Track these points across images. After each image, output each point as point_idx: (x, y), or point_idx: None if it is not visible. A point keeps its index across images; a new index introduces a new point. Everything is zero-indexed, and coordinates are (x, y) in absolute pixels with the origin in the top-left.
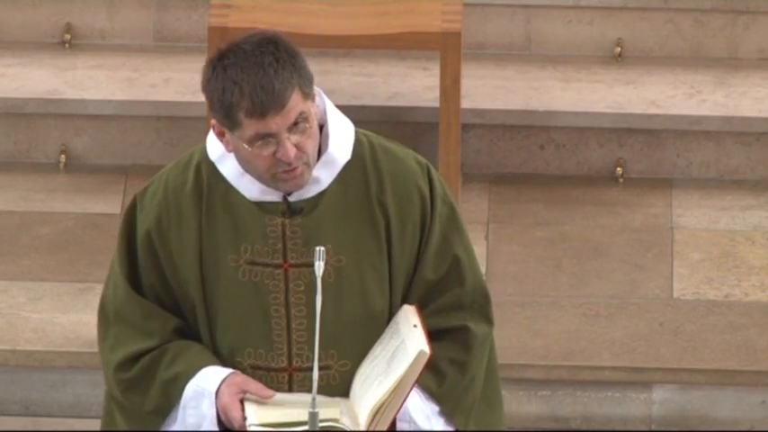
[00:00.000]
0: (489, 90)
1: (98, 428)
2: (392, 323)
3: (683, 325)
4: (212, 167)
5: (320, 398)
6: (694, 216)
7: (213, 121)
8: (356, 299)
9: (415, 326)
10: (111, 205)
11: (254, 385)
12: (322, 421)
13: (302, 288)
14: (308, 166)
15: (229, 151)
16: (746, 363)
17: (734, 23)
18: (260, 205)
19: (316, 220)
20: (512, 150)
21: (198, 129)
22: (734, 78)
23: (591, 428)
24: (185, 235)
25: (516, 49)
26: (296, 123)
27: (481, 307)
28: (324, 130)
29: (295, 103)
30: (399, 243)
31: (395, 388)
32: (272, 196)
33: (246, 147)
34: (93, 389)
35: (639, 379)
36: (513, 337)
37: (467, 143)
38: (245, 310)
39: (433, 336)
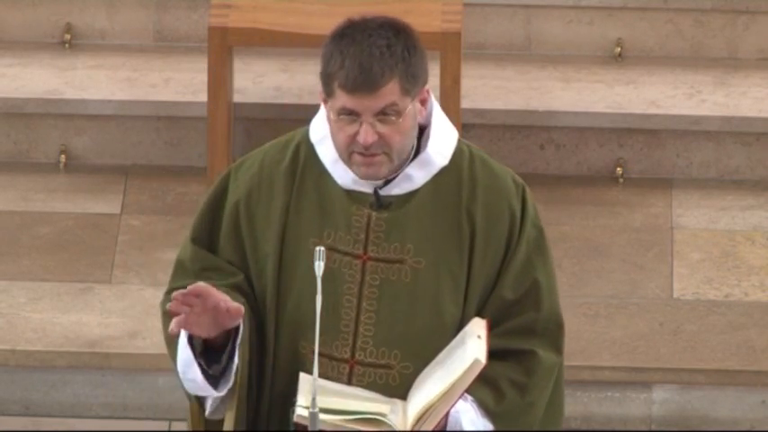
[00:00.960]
0: (489, 90)
1: (98, 428)
2: (461, 333)
3: (683, 325)
4: (311, 149)
5: (373, 394)
6: (694, 216)
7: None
8: (429, 304)
9: (479, 336)
10: (111, 205)
11: (218, 295)
12: (370, 414)
13: (377, 282)
14: (390, 159)
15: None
16: (746, 363)
17: (734, 23)
18: (350, 194)
19: (402, 217)
20: (512, 150)
21: (198, 129)
22: (734, 78)
23: (591, 428)
24: (272, 211)
25: (516, 49)
26: (385, 113)
27: (553, 335)
28: (426, 131)
29: (389, 92)
30: (481, 256)
31: (445, 392)
32: (364, 187)
33: (334, 116)
34: (94, 389)
35: (639, 379)
36: None
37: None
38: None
39: (499, 355)
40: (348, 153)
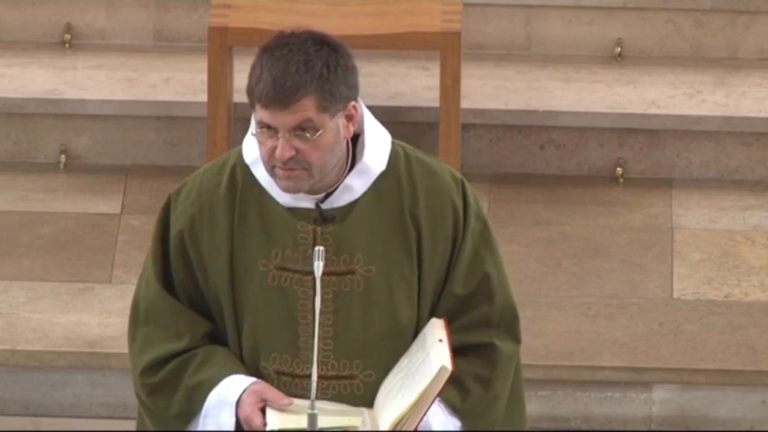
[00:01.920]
0: (489, 90)
1: (97, 428)
2: (420, 336)
3: (683, 325)
4: (247, 170)
5: (345, 407)
6: (694, 216)
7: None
8: (384, 310)
9: (440, 340)
10: (111, 205)
11: (273, 393)
12: (341, 428)
13: (330, 296)
14: (310, 174)
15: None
16: (746, 363)
17: (734, 23)
18: (292, 211)
19: (347, 228)
20: (512, 150)
21: (198, 129)
22: (734, 78)
23: (591, 428)
24: (217, 237)
25: (516, 49)
26: (301, 128)
27: (509, 325)
28: (360, 139)
29: (303, 108)
30: (430, 256)
31: (416, 402)
32: (305, 203)
33: (257, 129)
34: (93, 389)
35: (639, 379)
36: None
37: (467, 143)
38: (273, 315)
39: (458, 351)
40: (270, 166)
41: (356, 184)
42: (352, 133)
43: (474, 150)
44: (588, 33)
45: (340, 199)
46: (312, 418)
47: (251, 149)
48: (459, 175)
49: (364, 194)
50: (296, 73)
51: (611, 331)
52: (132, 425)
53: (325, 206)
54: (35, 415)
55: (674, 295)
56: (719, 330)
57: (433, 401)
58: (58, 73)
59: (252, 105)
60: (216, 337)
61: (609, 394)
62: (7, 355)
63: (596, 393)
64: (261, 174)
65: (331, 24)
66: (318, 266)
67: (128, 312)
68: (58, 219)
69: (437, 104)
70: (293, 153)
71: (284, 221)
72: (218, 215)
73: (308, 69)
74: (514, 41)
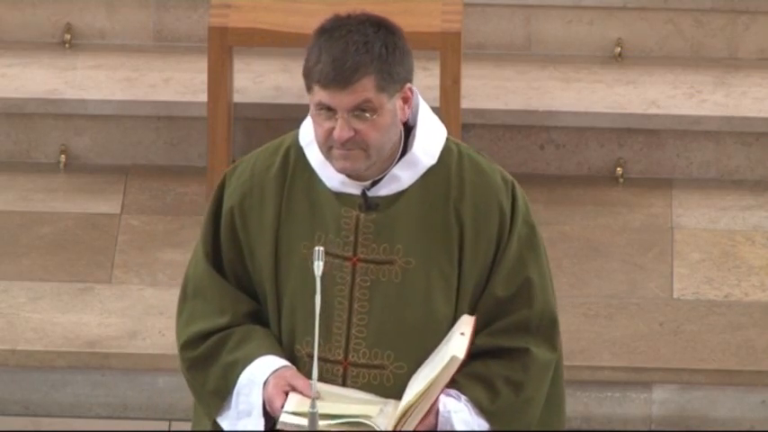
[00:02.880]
0: (489, 90)
1: (97, 428)
2: (450, 332)
3: (683, 325)
4: (300, 152)
5: (370, 396)
6: (694, 216)
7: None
8: (420, 303)
9: (462, 333)
10: (111, 205)
11: (301, 382)
12: (354, 417)
13: (368, 284)
14: (367, 155)
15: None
16: (746, 363)
17: (734, 23)
18: (338, 196)
19: (391, 218)
20: (512, 150)
21: (198, 129)
22: (734, 78)
23: (591, 428)
24: (265, 217)
25: (516, 49)
26: (360, 109)
27: (547, 332)
28: (413, 130)
29: (363, 88)
30: (471, 254)
31: (425, 391)
32: (352, 189)
33: (313, 111)
34: (93, 389)
35: (639, 379)
36: None
37: (467, 143)
38: (310, 298)
39: (492, 354)
40: (326, 147)
41: (403, 175)
42: (407, 116)
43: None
44: (588, 33)
45: (387, 188)
46: (312, 418)
47: (308, 131)
48: (510, 177)
49: (412, 186)
50: (355, 53)
51: (611, 331)
52: (133, 424)
53: (371, 194)
54: (35, 415)
55: (674, 295)
56: (719, 330)
57: (442, 390)
58: (58, 73)
59: (309, 87)
60: (258, 317)
61: (609, 394)
62: (7, 355)
63: (596, 393)
64: (313, 156)
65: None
66: (318, 266)
67: (128, 312)
68: (58, 219)
69: (437, 104)
70: (352, 134)
71: (330, 205)
72: (267, 195)
73: (367, 50)
74: (514, 41)
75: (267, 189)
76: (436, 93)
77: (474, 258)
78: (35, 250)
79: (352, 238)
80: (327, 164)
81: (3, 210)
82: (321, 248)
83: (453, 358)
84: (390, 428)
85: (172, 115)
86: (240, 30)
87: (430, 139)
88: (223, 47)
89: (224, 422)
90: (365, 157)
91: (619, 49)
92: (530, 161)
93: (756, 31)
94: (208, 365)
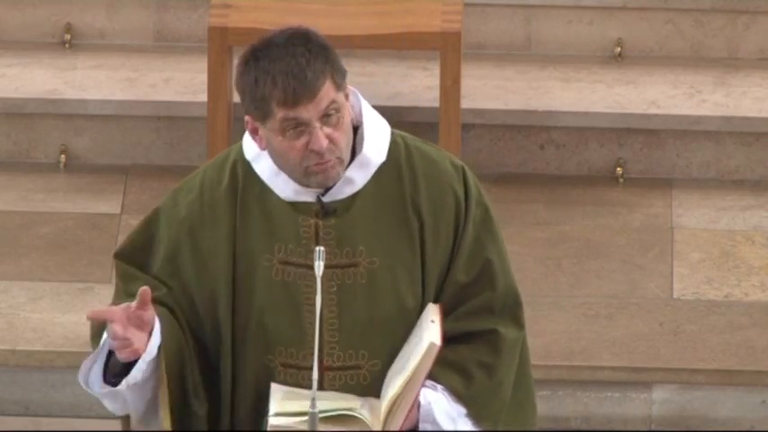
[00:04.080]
0: (489, 90)
1: (97, 428)
2: (417, 323)
3: (683, 325)
4: (248, 166)
5: (350, 396)
6: (694, 216)
7: (247, 118)
8: (388, 300)
9: (432, 321)
10: (111, 205)
11: (107, 311)
12: (339, 410)
13: (335, 289)
14: (341, 161)
15: (263, 148)
16: (746, 363)
17: (734, 23)
18: (294, 205)
19: (349, 221)
20: (512, 150)
21: (198, 129)
22: (734, 78)
23: (591, 428)
24: (218, 233)
25: (516, 49)
26: (328, 115)
27: (512, 311)
28: (359, 130)
29: (327, 92)
30: (433, 245)
31: (407, 381)
32: (306, 196)
33: (279, 137)
34: None
35: (639, 379)
36: None
37: (467, 143)
38: (278, 309)
39: (462, 338)
40: (303, 168)
41: (357, 177)
42: (354, 115)
43: (474, 150)
44: (588, 33)
45: (341, 192)
46: (313, 417)
47: (251, 146)
48: (459, 161)
49: (365, 186)
50: (307, 63)
51: (611, 331)
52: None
53: (326, 199)
54: (35, 415)
55: (674, 295)
56: (719, 330)
57: (424, 379)
58: (58, 73)
59: (266, 115)
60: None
61: (609, 394)
62: (7, 355)
63: (596, 393)
64: (262, 169)
65: (331, 24)
66: (319, 266)
67: None
68: (58, 219)
69: (437, 104)
70: (327, 141)
71: (286, 216)
72: (219, 211)
73: (315, 57)
74: (514, 41)
75: (219, 205)
76: (436, 93)
77: (435, 248)
78: (35, 250)
79: (313, 246)
80: (279, 175)
81: (3, 210)
82: (321, 249)
83: (431, 345)
84: (379, 422)
85: (172, 115)
86: (240, 30)
87: (377, 137)
88: (223, 47)
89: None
90: (339, 163)
91: (619, 49)
92: (530, 161)
93: (756, 31)
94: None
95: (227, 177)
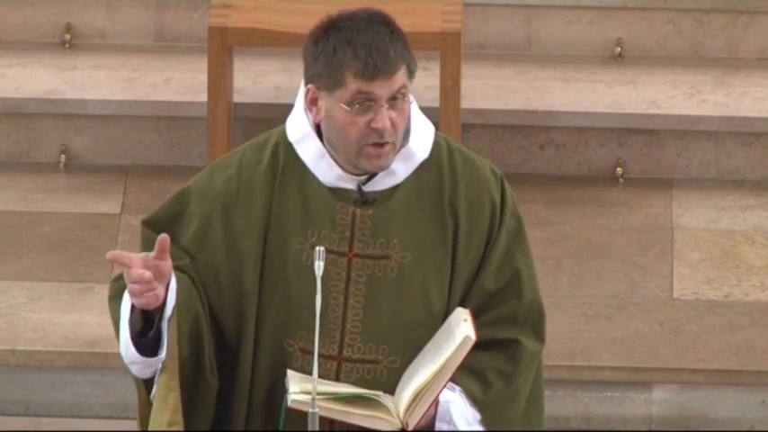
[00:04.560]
0: (489, 90)
1: (97, 428)
2: (445, 324)
3: (683, 325)
4: (290, 148)
5: (365, 390)
6: (694, 216)
7: (309, 86)
8: (415, 298)
9: (465, 320)
10: (111, 205)
11: (123, 256)
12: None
13: (363, 279)
14: (394, 147)
15: (317, 121)
16: (746, 363)
17: (734, 23)
18: (334, 191)
19: (387, 212)
20: (512, 150)
21: (198, 129)
22: (734, 78)
23: (591, 428)
24: (253, 213)
25: (516, 49)
26: (395, 98)
27: (535, 324)
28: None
29: (401, 75)
30: (465, 248)
31: (437, 372)
32: (347, 183)
33: (345, 108)
34: (93, 389)
35: (639, 379)
36: None
37: (467, 143)
38: (304, 293)
39: (483, 345)
40: (359, 146)
41: (399, 169)
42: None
43: (474, 150)
44: (588, 33)
45: (382, 182)
46: (313, 417)
47: (296, 127)
48: (498, 170)
49: (406, 180)
50: (390, 42)
51: (611, 331)
52: (132, 424)
53: (366, 189)
54: (35, 415)
55: (674, 295)
56: (719, 330)
57: (453, 372)
58: (58, 73)
59: (337, 84)
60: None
61: (609, 394)
62: (7, 355)
63: (596, 393)
64: (305, 152)
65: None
66: (319, 266)
67: None
68: (58, 219)
69: (437, 104)
70: (389, 122)
71: (325, 201)
72: (256, 191)
73: (396, 39)
74: (514, 41)
75: (256, 185)
76: (436, 93)
77: (467, 252)
78: (35, 250)
79: (348, 234)
80: (322, 159)
81: (3, 210)
82: (321, 248)
83: (467, 338)
84: (403, 408)
85: (172, 115)
86: (240, 30)
87: (422, 134)
88: (223, 47)
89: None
90: (393, 149)
91: (619, 49)
92: (530, 161)
93: (756, 31)
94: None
95: (267, 158)
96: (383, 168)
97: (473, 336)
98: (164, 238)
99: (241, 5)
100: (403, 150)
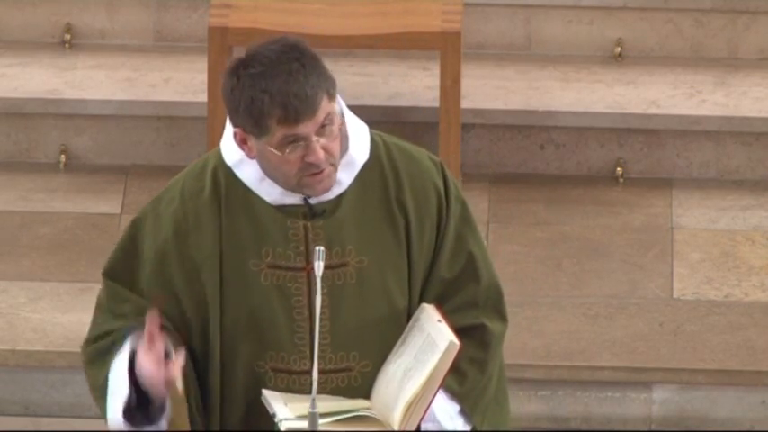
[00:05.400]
0: (489, 90)
1: (98, 428)
2: (412, 321)
3: (683, 325)
4: (229, 172)
5: (342, 398)
6: (694, 216)
7: (236, 130)
8: (378, 299)
9: (439, 321)
10: (111, 205)
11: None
12: (356, 411)
13: (325, 290)
14: (335, 168)
15: (251, 158)
16: (746, 363)
17: (734, 23)
18: (281, 209)
19: (338, 221)
20: (512, 150)
21: (198, 129)
22: (734, 78)
23: (591, 428)
24: (204, 240)
25: (516, 49)
26: (323, 126)
27: (495, 303)
28: (342, 131)
29: (324, 106)
30: (418, 242)
31: (426, 381)
32: (293, 199)
33: (276, 152)
34: None
35: (639, 379)
36: (513, 337)
37: (467, 143)
38: (268, 313)
39: None
40: (297, 179)
41: (343, 177)
42: None
43: (474, 150)
44: (588, 33)
45: (328, 192)
46: (313, 417)
47: (231, 152)
48: (437, 158)
49: (351, 186)
50: (305, 79)
51: (611, 331)
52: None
53: (313, 201)
54: (35, 415)
55: (674, 295)
56: (719, 330)
57: (446, 377)
58: (58, 73)
59: (263, 131)
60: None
61: (609, 394)
62: (7, 355)
63: (596, 393)
64: (246, 175)
65: (331, 24)
66: (319, 266)
67: None
68: (58, 219)
69: (437, 104)
70: (323, 152)
71: (273, 219)
72: (203, 219)
73: (309, 71)
74: (514, 41)
75: (202, 213)
76: (436, 93)
77: (420, 245)
78: (35, 250)
79: (303, 248)
80: (263, 179)
81: (3, 210)
82: (321, 248)
83: (451, 343)
84: (397, 423)
85: (172, 115)
86: (240, 30)
87: (359, 137)
88: (223, 47)
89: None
90: (334, 170)
91: (619, 49)
92: (530, 161)
93: (756, 31)
94: (101, 362)
95: (208, 185)
96: (327, 191)
97: (457, 341)
98: (153, 317)
99: (241, 5)
100: (344, 158)
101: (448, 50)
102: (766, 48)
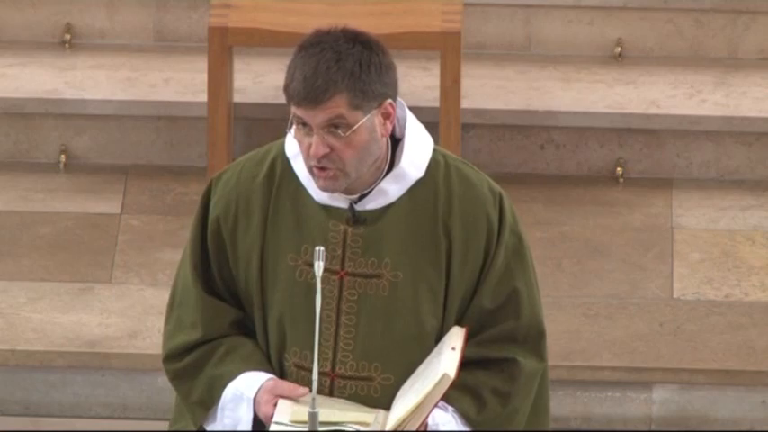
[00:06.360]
0: (489, 90)
1: (98, 428)
2: (440, 343)
3: (683, 325)
4: (287, 164)
5: (360, 406)
6: (694, 216)
7: None
8: (407, 316)
9: (453, 348)
10: (111, 205)
11: (286, 386)
12: (352, 423)
13: (355, 297)
14: (345, 174)
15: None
16: (746, 363)
17: (734, 23)
18: (326, 209)
19: (378, 232)
20: (512, 150)
21: (198, 129)
22: (734, 78)
23: (591, 428)
24: (251, 226)
25: (516, 49)
26: (333, 125)
27: (534, 343)
28: (400, 144)
29: (335, 105)
30: (459, 267)
31: (417, 405)
32: (339, 202)
33: (295, 126)
34: (93, 389)
35: (639, 379)
36: None
37: (467, 143)
38: (297, 310)
39: (480, 364)
40: (309, 166)
41: (391, 189)
42: (389, 131)
43: (474, 150)
44: (588, 33)
45: (374, 202)
46: (313, 417)
47: (293, 143)
48: (497, 187)
49: (399, 199)
50: (326, 71)
51: (611, 331)
52: (133, 424)
53: (358, 207)
54: (35, 415)
55: (674, 295)
56: (719, 330)
57: (433, 408)
58: (58, 73)
59: (288, 103)
60: (245, 326)
61: (609, 394)
62: (7, 355)
63: (596, 393)
64: (300, 168)
65: (331, 24)
66: (319, 266)
67: (128, 312)
68: (58, 219)
69: (437, 104)
70: (327, 150)
71: (317, 219)
72: (253, 205)
73: (339, 67)
74: (514, 41)
75: (253, 198)
76: (436, 93)
77: (462, 272)
78: (35, 250)
79: (339, 252)
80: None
81: (3, 210)
82: (322, 248)
83: (444, 376)
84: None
85: (172, 115)
86: (240, 30)
87: (417, 152)
88: (223, 47)
89: (209, 427)
90: (343, 176)
91: (619, 49)
92: (530, 161)
93: (756, 31)
94: (192, 377)
95: (264, 171)
96: (333, 191)
97: (452, 373)
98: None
99: (241, 5)
100: (394, 170)
101: (448, 50)
102: (766, 48)
